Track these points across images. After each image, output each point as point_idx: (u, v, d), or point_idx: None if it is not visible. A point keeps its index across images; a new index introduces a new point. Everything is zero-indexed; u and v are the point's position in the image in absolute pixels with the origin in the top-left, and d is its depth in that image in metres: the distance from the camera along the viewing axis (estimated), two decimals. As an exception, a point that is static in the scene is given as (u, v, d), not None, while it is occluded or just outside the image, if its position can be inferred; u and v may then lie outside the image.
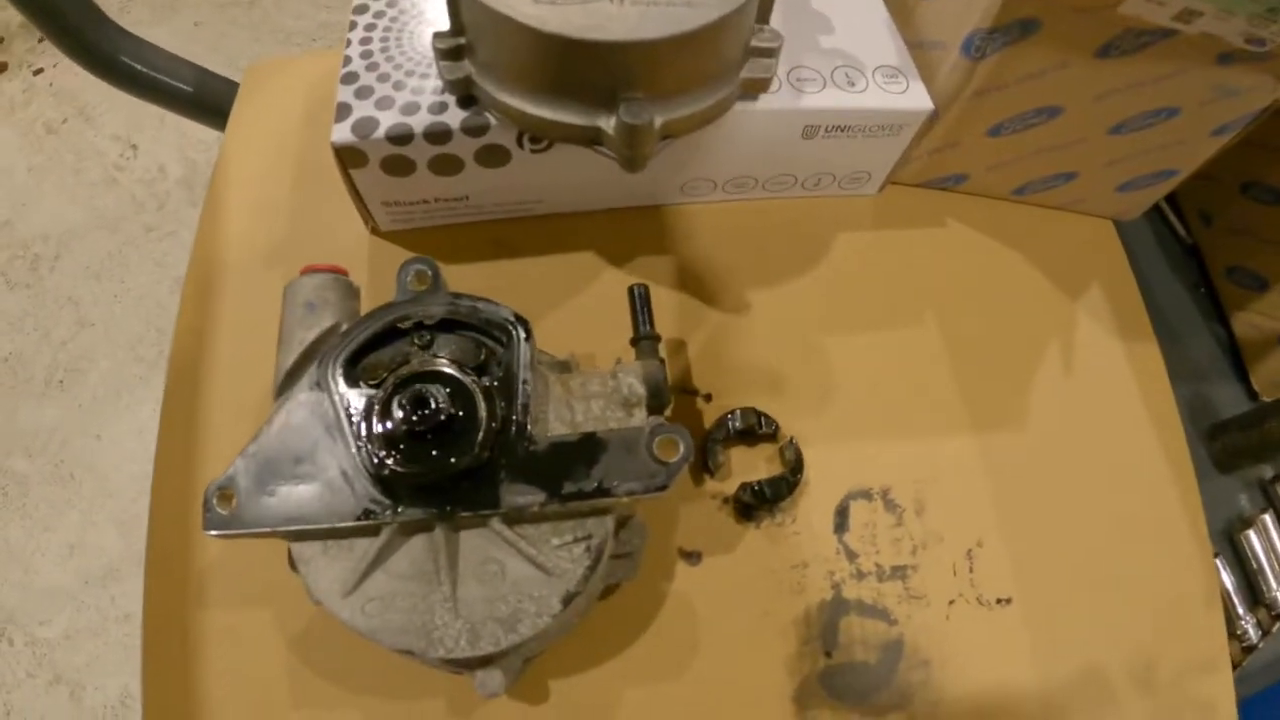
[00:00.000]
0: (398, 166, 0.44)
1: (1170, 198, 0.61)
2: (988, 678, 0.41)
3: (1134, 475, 0.47)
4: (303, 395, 0.35)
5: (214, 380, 0.47)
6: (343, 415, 0.34)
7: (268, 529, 0.33)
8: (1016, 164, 0.52)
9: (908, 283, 0.50)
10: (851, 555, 0.43)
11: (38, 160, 1.55)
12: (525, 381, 0.35)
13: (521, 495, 0.33)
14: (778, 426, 0.45)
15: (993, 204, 0.54)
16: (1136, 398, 0.48)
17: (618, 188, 0.50)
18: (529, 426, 0.34)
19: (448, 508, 0.33)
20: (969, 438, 0.45)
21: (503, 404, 0.34)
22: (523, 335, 0.35)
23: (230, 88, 0.63)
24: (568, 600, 0.33)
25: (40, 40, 1.68)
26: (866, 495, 0.44)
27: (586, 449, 0.34)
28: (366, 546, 0.33)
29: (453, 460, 0.32)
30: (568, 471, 0.33)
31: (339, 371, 0.35)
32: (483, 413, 0.34)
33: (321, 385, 0.35)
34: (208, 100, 0.65)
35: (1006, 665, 0.41)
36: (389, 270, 0.37)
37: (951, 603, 0.42)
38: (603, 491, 0.33)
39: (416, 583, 0.33)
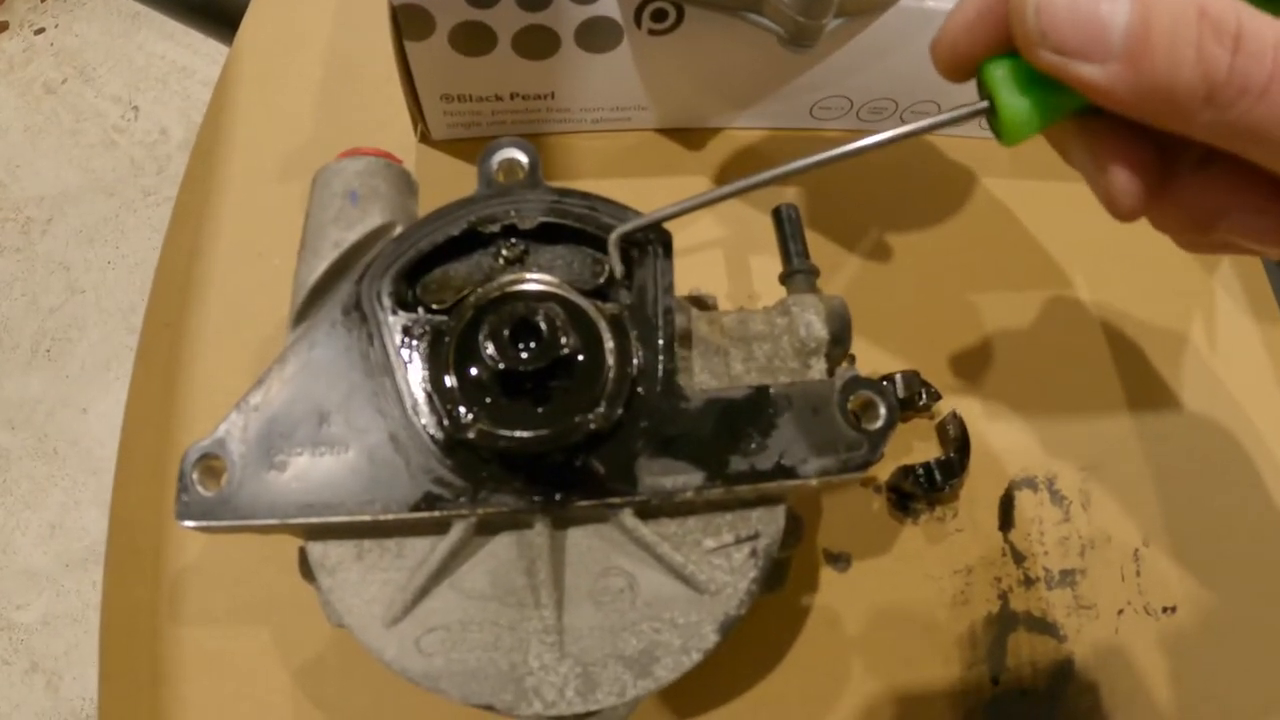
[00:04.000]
0: (473, 39, 0.36)
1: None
2: (1157, 701, 0.37)
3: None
4: (333, 322, 0.24)
5: (206, 317, 0.39)
6: (394, 352, 0.23)
7: (274, 520, 0.23)
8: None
9: (1054, 239, 0.45)
10: (1019, 558, 0.38)
11: (35, 120, 1.49)
12: (669, 310, 0.23)
13: (670, 475, 0.22)
14: (940, 398, 0.39)
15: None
16: (1273, 382, 0.44)
17: (742, 97, 0.42)
18: (676, 375, 0.23)
19: (556, 494, 0.22)
20: (1127, 418, 0.41)
21: (638, 343, 0.23)
22: (660, 249, 0.24)
23: None
24: (726, 628, 0.24)
25: (43, 0, 1.60)
26: (1032, 485, 0.39)
27: (758, 409, 0.24)
28: (426, 551, 0.23)
29: (576, 419, 0.21)
30: (734, 441, 0.23)
31: (389, 289, 0.24)
32: (611, 353, 0.22)
33: (363, 308, 0.24)
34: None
35: (1176, 686, 0.37)
36: (440, 188, 0.29)
37: (1120, 613, 0.37)
38: (784, 471, 0.23)
39: (501, 605, 0.23)
